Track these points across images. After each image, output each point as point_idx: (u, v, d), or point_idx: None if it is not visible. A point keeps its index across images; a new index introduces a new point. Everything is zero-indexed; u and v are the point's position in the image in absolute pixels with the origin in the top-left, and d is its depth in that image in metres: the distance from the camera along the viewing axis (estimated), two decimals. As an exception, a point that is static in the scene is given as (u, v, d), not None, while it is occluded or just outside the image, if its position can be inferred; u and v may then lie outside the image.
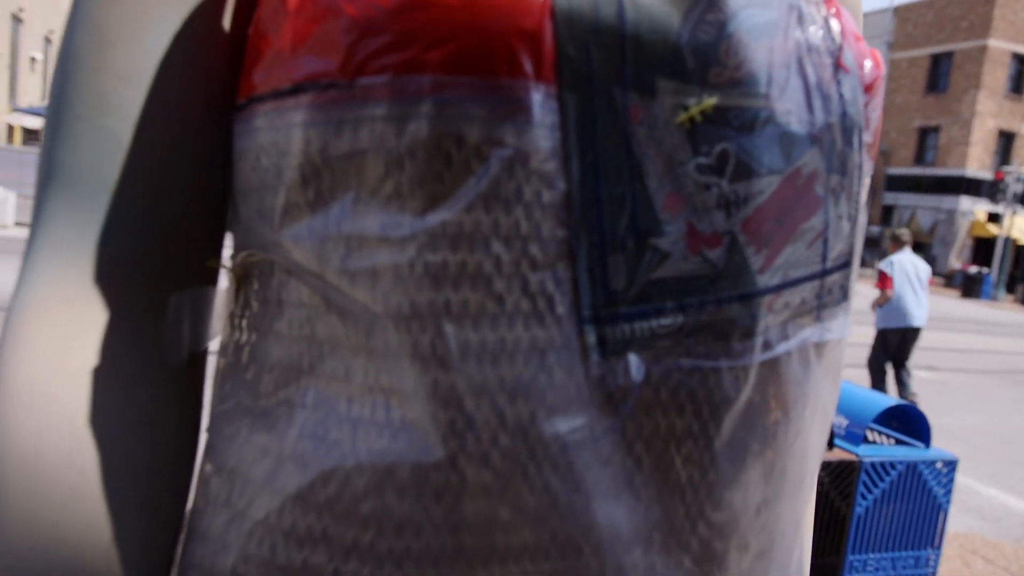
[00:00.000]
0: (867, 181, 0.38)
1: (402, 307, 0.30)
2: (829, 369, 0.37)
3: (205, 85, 0.36)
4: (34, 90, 25.13)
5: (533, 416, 0.30)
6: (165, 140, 0.35)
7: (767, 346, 0.33)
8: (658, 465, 0.32)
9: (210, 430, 0.37)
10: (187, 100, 0.35)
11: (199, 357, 0.39)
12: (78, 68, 0.35)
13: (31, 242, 0.36)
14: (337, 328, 0.32)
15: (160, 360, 0.36)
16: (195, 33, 0.35)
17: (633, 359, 0.31)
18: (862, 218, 0.38)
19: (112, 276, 0.35)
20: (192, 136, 0.36)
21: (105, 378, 0.34)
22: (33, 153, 15.96)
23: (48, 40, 26.40)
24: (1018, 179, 23.11)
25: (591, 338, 0.31)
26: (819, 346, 0.36)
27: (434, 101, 0.29)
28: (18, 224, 11.30)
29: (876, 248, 32.41)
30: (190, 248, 0.37)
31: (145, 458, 0.35)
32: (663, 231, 0.31)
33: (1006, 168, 22.76)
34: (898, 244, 5.16)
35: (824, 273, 0.36)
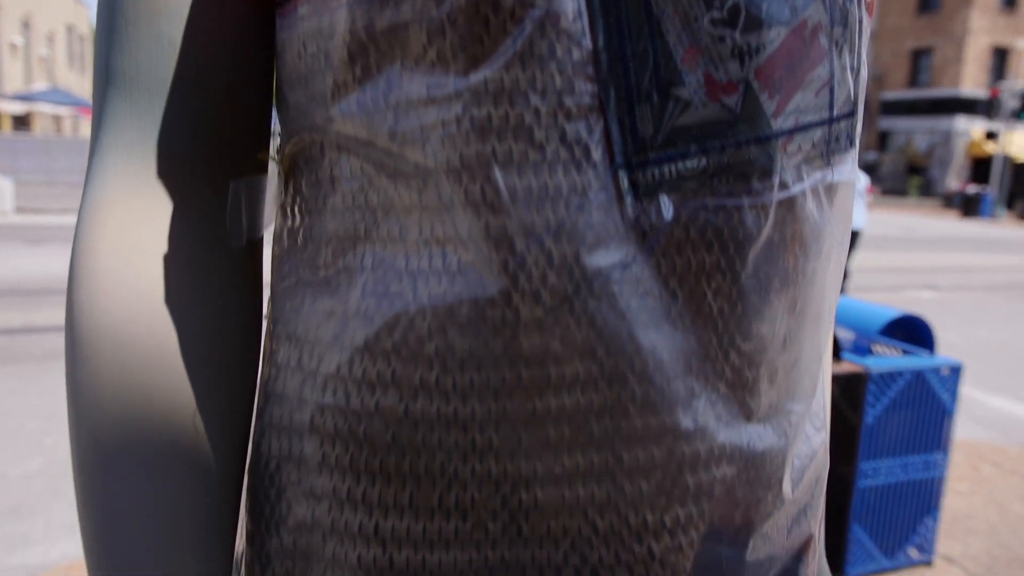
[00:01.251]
0: (867, 38, 0.41)
1: (452, 160, 0.33)
2: (840, 211, 0.40)
3: None
4: (17, 76, 24.81)
5: (577, 254, 0.33)
6: (213, 39, 0.38)
7: (784, 186, 0.36)
8: (691, 298, 0.35)
9: (273, 308, 0.40)
10: None
11: (256, 244, 0.42)
12: None
13: (95, 144, 0.39)
14: (390, 191, 0.35)
15: (222, 243, 0.39)
16: None
17: (664, 199, 0.34)
18: (864, 72, 0.40)
19: (173, 169, 0.38)
20: (237, 33, 0.38)
21: (175, 260, 0.37)
22: (24, 140, 15.85)
23: (26, 25, 25.95)
24: (1013, 95, 22.88)
25: (624, 182, 0.34)
26: (830, 188, 0.39)
27: None
28: (18, 210, 11.27)
29: (873, 174, 32.23)
30: (241, 140, 0.40)
31: (217, 330, 0.38)
32: (684, 81, 0.34)
33: (1001, 84, 22.52)
34: None
35: (832, 120, 0.38)
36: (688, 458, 0.36)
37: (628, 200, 0.34)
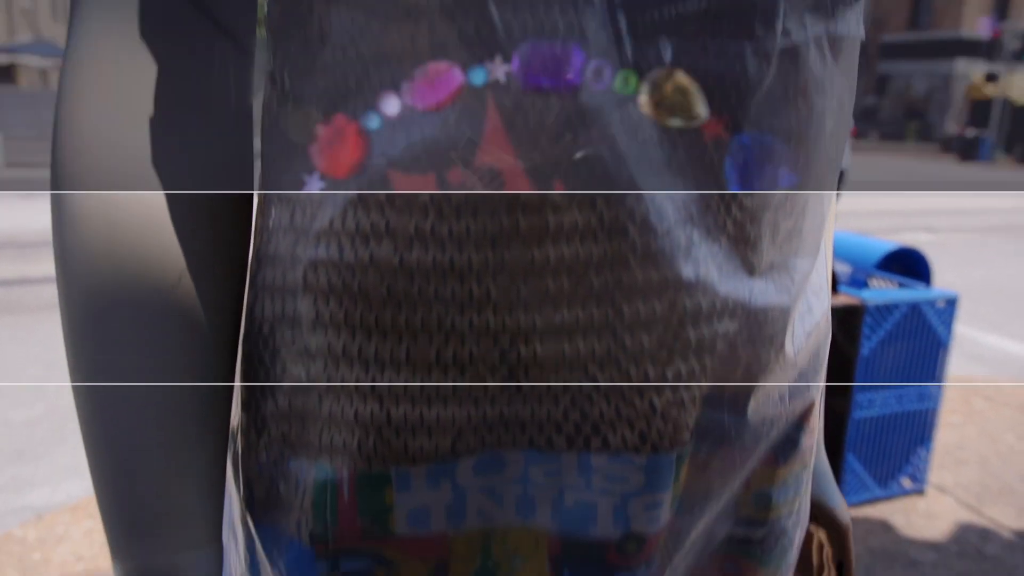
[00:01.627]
0: None
1: None
2: (844, 65, 0.39)
3: None
4: (-2, 27, 24.26)
5: (575, 96, 0.32)
6: None
7: (786, 33, 0.35)
8: (692, 148, 0.34)
9: (263, 175, 0.39)
10: None
11: (245, 112, 0.41)
12: None
13: (76, 2, 0.37)
14: (381, 38, 0.33)
15: (210, 105, 0.38)
16: None
17: (663, 41, 0.33)
18: None
19: (156, 29, 0.37)
20: None
21: (162, 121, 0.36)
22: (12, 94, 15.58)
23: (4, -28, 25.26)
24: (1015, 36, 22.53)
25: (623, 24, 0.32)
26: (834, 41, 0.38)
27: None
28: (8, 165, 11.13)
29: (872, 120, 31.92)
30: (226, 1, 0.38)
31: (208, 192, 0.37)
32: None
33: (1003, 25, 22.16)
34: None
35: (837, -31, 0.37)
36: (690, 311, 0.35)
37: (627, 41, 0.32)
